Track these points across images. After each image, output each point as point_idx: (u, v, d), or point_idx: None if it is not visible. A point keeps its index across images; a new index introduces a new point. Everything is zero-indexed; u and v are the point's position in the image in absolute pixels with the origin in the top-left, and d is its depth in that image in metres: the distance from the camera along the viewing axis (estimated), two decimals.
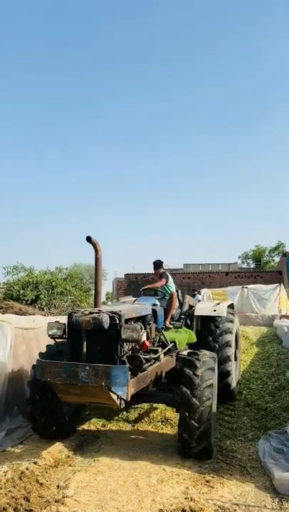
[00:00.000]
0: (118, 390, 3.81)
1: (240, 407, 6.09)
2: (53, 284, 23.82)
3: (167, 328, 5.78)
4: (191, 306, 7.00)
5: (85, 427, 5.36)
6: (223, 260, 41.14)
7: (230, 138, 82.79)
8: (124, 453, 4.53)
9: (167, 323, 5.86)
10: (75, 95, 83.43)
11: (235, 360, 7.14)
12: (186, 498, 3.55)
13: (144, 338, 4.41)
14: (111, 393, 3.79)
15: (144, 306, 5.17)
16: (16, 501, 3.45)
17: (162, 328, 5.50)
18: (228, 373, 6.26)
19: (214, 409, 4.69)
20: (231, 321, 6.89)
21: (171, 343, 5.42)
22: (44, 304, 22.66)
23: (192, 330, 6.56)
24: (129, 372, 3.88)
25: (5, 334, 5.58)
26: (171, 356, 5.37)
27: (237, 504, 3.48)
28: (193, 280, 28.75)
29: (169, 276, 6.55)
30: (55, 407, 4.72)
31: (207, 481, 3.87)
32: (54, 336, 4.39)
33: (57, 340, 4.46)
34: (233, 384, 6.45)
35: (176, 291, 6.51)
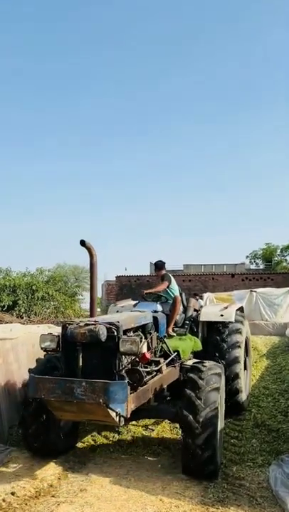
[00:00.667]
0: (117, 406, 3.97)
1: (249, 428, 6.11)
2: (33, 287, 23.75)
3: (170, 336, 5.95)
4: (196, 311, 7.15)
5: (70, 451, 5.34)
6: (229, 260, 41.29)
7: (236, 131, 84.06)
8: (115, 481, 4.52)
9: (170, 330, 6.04)
10: (70, 87, 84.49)
11: (245, 369, 7.38)
12: None
13: (144, 349, 4.51)
14: (109, 410, 3.95)
15: (143, 314, 5.32)
16: None
17: (164, 336, 5.65)
18: (237, 391, 6.45)
19: (221, 418, 4.94)
20: (240, 327, 7.01)
21: (174, 352, 5.55)
22: (23, 310, 22.58)
23: (197, 337, 6.75)
24: (129, 388, 4.05)
25: None
26: (175, 367, 5.52)
27: None
28: (195, 283, 28.81)
29: (172, 278, 6.71)
30: (50, 425, 4.87)
31: None
32: (47, 349, 4.56)
33: (50, 353, 4.66)
34: (243, 396, 6.71)
35: (180, 294, 6.68)
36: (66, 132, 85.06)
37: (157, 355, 5.33)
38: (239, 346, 6.81)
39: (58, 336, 4.50)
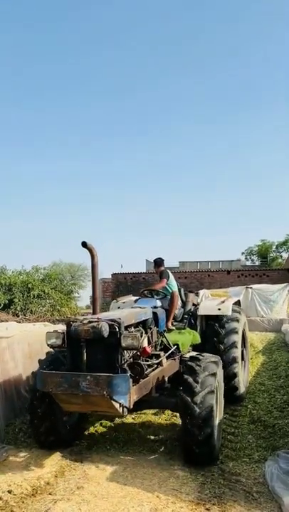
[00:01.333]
0: (120, 398, 4.25)
1: (245, 424, 6.13)
2: (29, 286, 23.71)
3: (169, 330, 6.20)
4: (194, 305, 7.42)
5: (67, 450, 5.35)
6: (225, 257, 41.40)
7: (236, 130, 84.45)
8: (112, 478, 4.54)
9: (169, 324, 6.30)
10: (72, 89, 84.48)
11: (243, 360, 7.70)
12: None
13: (145, 343, 4.80)
14: (113, 402, 4.24)
15: (144, 310, 5.60)
16: None
17: (164, 330, 5.91)
18: (234, 375, 6.76)
19: (219, 414, 5.22)
20: (237, 320, 7.34)
21: (174, 345, 5.80)
22: (19, 309, 22.55)
23: (196, 330, 7.01)
24: (131, 380, 4.32)
25: None
26: (174, 360, 5.78)
27: None
28: (190, 280, 28.83)
29: (170, 274, 7.00)
30: (56, 415, 5.09)
31: (207, 509, 3.89)
32: (53, 345, 4.83)
33: (55, 349, 4.94)
34: (241, 387, 7.01)
35: (179, 289, 7.01)
36: (66, 132, 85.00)
37: (158, 349, 5.55)
38: (236, 339, 7.09)
39: (63, 332, 4.75)
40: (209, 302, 7.67)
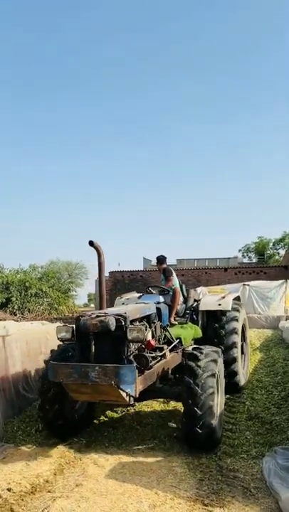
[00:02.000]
0: (127, 387, 4.49)
1: (243, 421, 6.16)
2: (27, 284, 23.70)
3: (172, 325, 6.48)
4: (196, 301, 7.69)
5: (66, 447, 5.37)
6: (222, 255, 41.44)
7: (236, 131, 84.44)
8: (110, 476, 4.56)
9: (172, 319, 6.59)
10: (73, 89, 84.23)
11: (243, 353, 8.10)
12: None
13: (149, 337, 5.09)
14: (120, 391, 4.48)
15: (148, 305, 5.92)
16: None
17: (167, 325, 6.22)
18: (234, 367, 7.11)
19: (221, 401, 5.56)
20: (237, 315, 7.69)
21: (176, 339, 6.09)
22: (16, 307, 22.54)
23: (198, 325, 7.35)
24: (137, 371, 4.57)
25: None
26: (177, 353, 5.99)
27: None
28: (188, 277, 28.82)
29: (173, 271, 7.30)
30: (64, 402, 5.33)
31: (205, 505, 3.92)
32: (63, 339, 5.19)
33: (65, 342, 5.34)
34: (241, 378, 7.40)
35: (180, 286, 7.31)
36: (66, 132, 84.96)
37: (161, 342, 5.82)
38: (236, 332, 7.43)
39: (72, 327, 5.06)
40: (210, 298, 7.93)
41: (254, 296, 18.53)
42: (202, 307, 7.54)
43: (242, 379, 7.49)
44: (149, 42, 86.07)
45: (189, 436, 5.12)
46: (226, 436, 5.61)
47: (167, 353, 5.60)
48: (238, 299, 8.42)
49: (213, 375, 5.20)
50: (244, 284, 19.22)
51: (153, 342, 5.24)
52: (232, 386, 7.00)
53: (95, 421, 6.17)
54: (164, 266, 7.35)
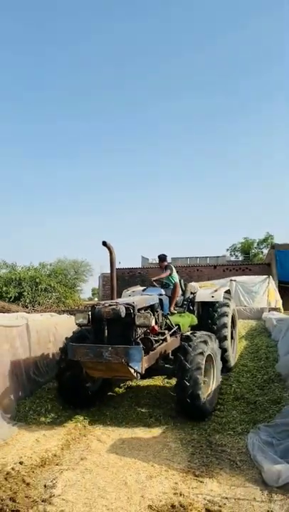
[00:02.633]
0: (135, 365, 4.77)
1: (230, 401, 6.17)
2: (37, 280, 23.69)
3: (172, 314, 6.84)
4: (192, 293, 8.06)
5: (72, 425, 5.38)
6: (212, 253, 41.42)
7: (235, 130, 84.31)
8: (112, 450, 4.57)
9: (172, 309, 6.94)
10: (77, 96, 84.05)
11: (232, 338, 8.49)
12: (175, 494, 3.60)
13: (153, 323, 5.33)
14: (129, 368, 4.75)
15: (152, 296, 6.26)
16: (2, 502, 3.46)
17: (168, 313, 6.57)
18: (225, 350, 7.34)
19: (216, 378, 5.95)
20: (227, 305, 8.06)
21: (175, 326, 6.41)
22: (28, 301, 22.53)
23: (194, 314, 7.72)
24: (143, 351, 4.87)
25: None
26: (176, 337, 6.26)
27: (226, 498, 3.55)
28: (181, 274, 28.52)
29: (173, 268, 7.66)
30: (80, 377, 5.61)
31: (196, 476, 3.93)
32: (81, 324, 5.46)
33: (82, 327, 5.66)
34: (231, 359, 7.75)
35: (179, 280, 7.57)
36: (67, 133, 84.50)
37: (163, 328, 6.15)
38: (226, 315, 7.84)
39: (89, 313, 5.32)
40: (204, 291, 8.30)
41: (240, 290, 18.58)
42: (198, 298, 7.89)
43: (231, 359, 7.81)
44: (148, 40, 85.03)
45: (180, 405, 5.39)
46: (215, 414, 5.61)
47: (168, 337, 5.88)
48: (228, 292, 8.73)
49: (201, 353, 5.44)
50: (231, 280, 19.26)
51: (156, 327, 5.53)
52: (223, 366, 6.97)
53: (97, 402, 6.17)
54: (166, 263, 7.67)
